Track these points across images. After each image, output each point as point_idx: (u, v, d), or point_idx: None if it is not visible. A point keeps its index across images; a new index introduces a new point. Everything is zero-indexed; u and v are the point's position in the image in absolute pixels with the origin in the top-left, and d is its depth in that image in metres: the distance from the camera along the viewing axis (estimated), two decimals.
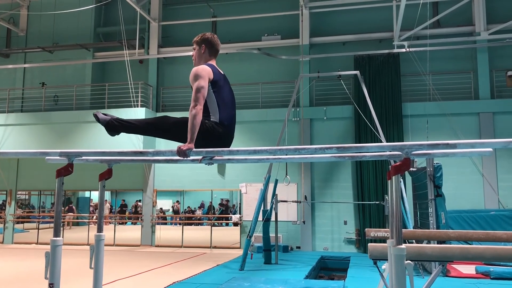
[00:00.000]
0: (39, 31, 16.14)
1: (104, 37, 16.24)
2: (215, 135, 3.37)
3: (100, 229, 3.79)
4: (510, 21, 12.23)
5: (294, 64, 14.06)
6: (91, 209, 16.18)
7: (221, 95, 3.45)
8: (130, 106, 13.67)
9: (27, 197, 16.56)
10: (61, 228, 3.27)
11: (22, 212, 16.08)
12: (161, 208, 15.95)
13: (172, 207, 17.02)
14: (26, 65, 15.87)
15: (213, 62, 3.62)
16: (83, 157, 3.57)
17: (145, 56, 15.06)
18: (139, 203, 16.56)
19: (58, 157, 3.50)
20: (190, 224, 15.48)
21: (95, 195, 16.19)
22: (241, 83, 14.09)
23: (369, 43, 13.71)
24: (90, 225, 15.45)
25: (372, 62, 13.29)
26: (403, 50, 12.87)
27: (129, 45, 14.41)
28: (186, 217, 15.27)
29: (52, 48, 15.67)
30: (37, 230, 15.30)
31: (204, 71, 3.39)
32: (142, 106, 13.89)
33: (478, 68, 12.83)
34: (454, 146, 2.74)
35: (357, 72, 11.66)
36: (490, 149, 2.93)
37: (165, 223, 15.74)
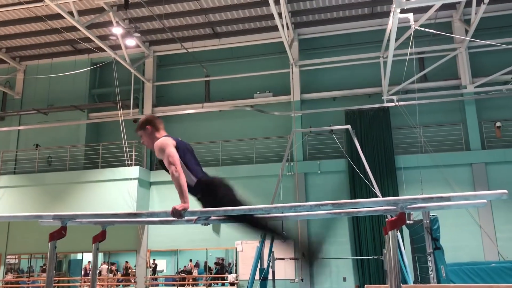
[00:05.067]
0: (34, 94, 16.40)
1: (98, 98, 16.50)
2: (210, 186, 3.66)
3: None
4: (494, 75, 12.66)
5: (287, 119, 14.28)
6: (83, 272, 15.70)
7: (186, 157, 3.70)
8: (124, 165, 13.67)
9: (17, 261, 16.10)
10: None
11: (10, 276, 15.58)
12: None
13: (185, 266, 16.33)
14: (20, 127, 15.98)
15: (164, 133, 3.90)
16: (77, 220, 3.54)
17: (140, 116, 15.23)
18: (128, 264, 16.08)
19: (51, 220, 3.46)
20: (184, 285, 15.00)
21: (87, 257, 15.78)
22: (235, 139, 14.22)
23: (359, 98, 14.01)
24: None
25: (363, 116, 13.52)
26: (393, 104, 13.15)
27: (124, 105, 14.64)
28: (180, 277, 14.84)
29: (47, 110, 15.86)
30: None
31: (166, 141, 3.68)
32: (136, 164, 13.90)
33: (467, 120, 13.08)
34: (448, 199, 2.76)
35: (349, 126, 11.83)
36: (484, 201, 2.95)
37: (157, 285, 15.26)
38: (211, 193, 3.59)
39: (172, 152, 3.56)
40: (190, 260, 14.95)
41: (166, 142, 3.65)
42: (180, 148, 3.68)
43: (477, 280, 10.48)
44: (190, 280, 14.64)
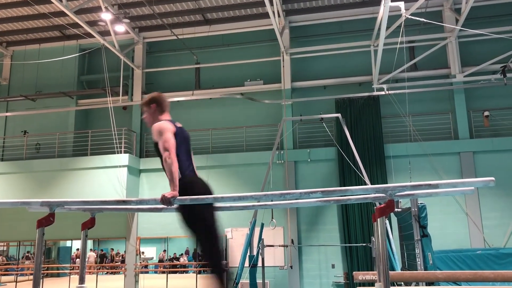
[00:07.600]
0: (22, 80, 16.16)
1: (87, 84, 16.32)
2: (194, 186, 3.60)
3: (82, 281, 3.68)
4: (483, 64, 12.74)
5: (277, 108, 14.26)
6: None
7: (180, 148, 3.61)
8: (114, 153, 13.59)
9: (5, 248, 16.03)
10: (41, 280, 3.17)
11: None
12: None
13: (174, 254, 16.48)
14: (8, 114, 15.78)
15: (167, 116, 3.75)
16: (66, 207, 3.52)
17: (129, 103, 15.12)
18: (119, 252, 16.11)
19: (39, 207, 3.43)
20: (175, 272, 15.08)
21: (76, 245, 15.77)
22: (225, 127, 14.18)
23: (349, 87, 14.02)
24: (71, 276, 14.93)
25: (353, 105, 13.55)
26: (383, 92, 13.19)
27: (113, 92, 14.49)
28: (170, 264, 14.90)
29: (35, 96, 15.67)
30: (15, 283, 14.72)
31: (166, 125, 3.59)
32: (125, 152, 13.82)
33: (456, 109, 13.18)
34: (436, 186, 2.78)
35: (339, 115, 11.87)
36: (472, 188, 2.98)
37: (147, 272, 15.30)
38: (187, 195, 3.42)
39: (169, 137, 3.50)
40: (164, 251, 15.00)
41: (165, 126, 3.58)
42: (178, 136, 3.60)
43: (463, 267, 10.66)
44: (168, 267, 14.67)
